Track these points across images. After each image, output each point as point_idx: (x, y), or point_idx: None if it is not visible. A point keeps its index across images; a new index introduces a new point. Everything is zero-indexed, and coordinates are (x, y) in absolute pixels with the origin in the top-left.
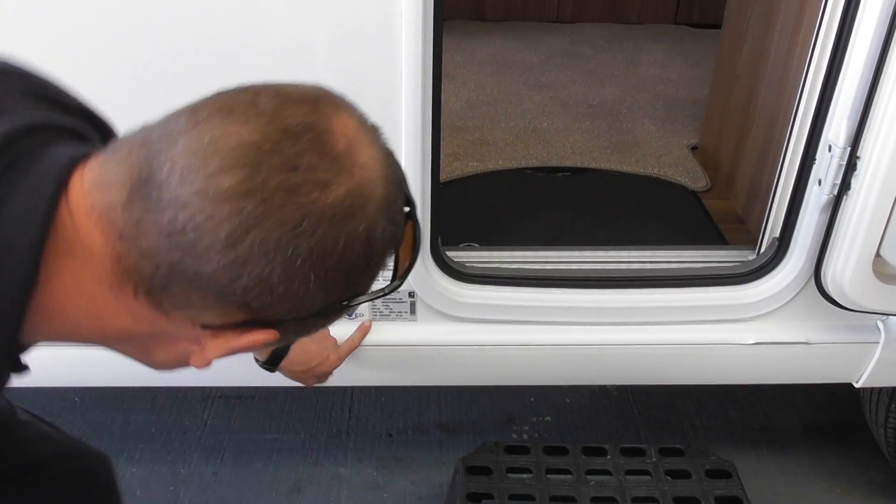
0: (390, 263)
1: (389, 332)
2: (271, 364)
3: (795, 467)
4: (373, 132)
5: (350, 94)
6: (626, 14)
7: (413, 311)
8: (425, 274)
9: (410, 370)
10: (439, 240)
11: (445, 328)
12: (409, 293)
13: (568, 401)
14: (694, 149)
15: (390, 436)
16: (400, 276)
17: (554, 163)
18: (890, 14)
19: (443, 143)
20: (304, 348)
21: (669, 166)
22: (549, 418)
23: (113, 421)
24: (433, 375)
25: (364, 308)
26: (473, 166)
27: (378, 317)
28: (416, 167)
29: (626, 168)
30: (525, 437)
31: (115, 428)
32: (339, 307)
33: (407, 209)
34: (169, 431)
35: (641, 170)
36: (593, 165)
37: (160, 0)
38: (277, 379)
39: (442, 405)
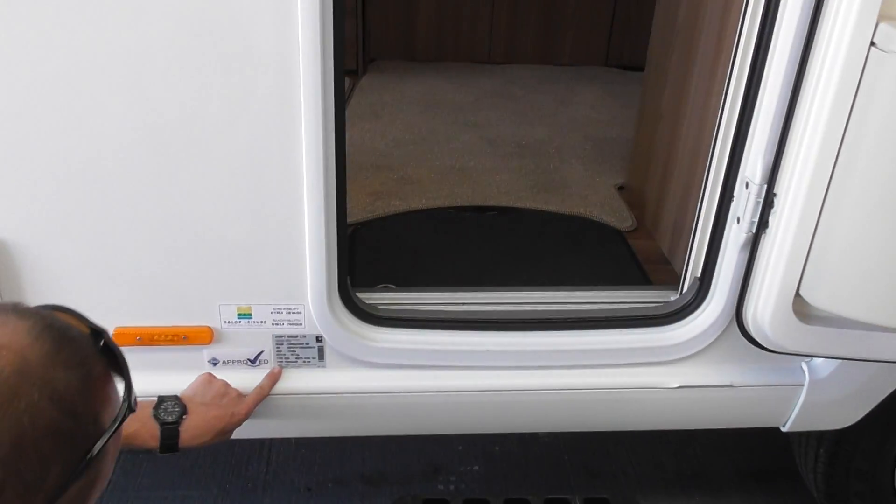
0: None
1: (296, 380)
2: (168, 449)
3: None
4: (9, 308)
5: (244, 130)
6: (557, 56)
7: (321, 357)
8: (332, 317)
9: (320, 420)
10: (348, 281)
11: (356, 374)
12: (317, 337)
13: (497, 448)
14: (621, 188)
15: (309, 490)
16: (124, 399)
17: (479, 202)
18: (800, 50)
19: (366, 181)
20: (202, 418)
21: (596, 206)
22: (476, 467)
23: None
24: (345, 425)
25: (269, 354)
26: (395, 205)
27: (284, 363)
28: (319, 206)
29: (552, 207)
30: (452, 487)
31: None
32: (89, 460)
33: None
34: None
35: (568, 209)
36: (520, 205)
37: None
38: None
39: (365, 455)
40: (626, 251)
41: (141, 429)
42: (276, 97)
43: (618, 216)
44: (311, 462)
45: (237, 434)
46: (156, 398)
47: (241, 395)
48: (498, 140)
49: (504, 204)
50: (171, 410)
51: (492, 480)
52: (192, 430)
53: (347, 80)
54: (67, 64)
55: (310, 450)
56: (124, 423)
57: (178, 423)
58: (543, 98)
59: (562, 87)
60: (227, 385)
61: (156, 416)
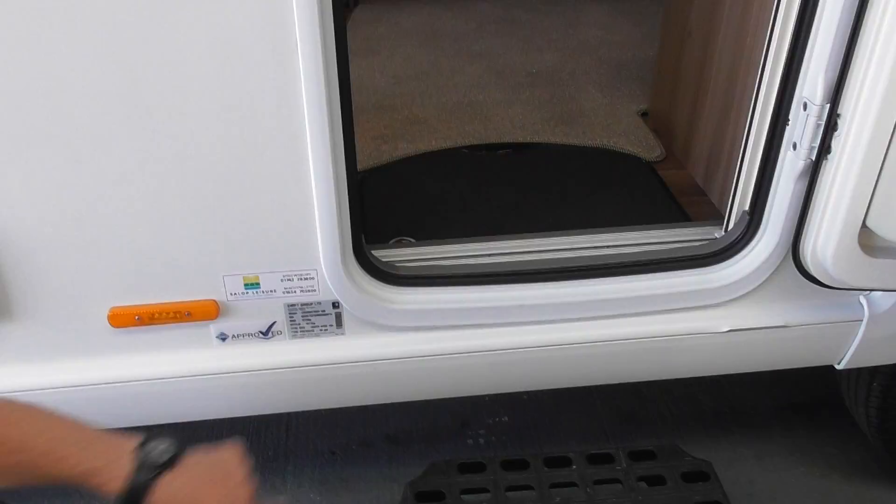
0: None
1: (313, 350)
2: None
3: (771, 452)
4: None
5: (237, 82)
6: None
7: (340, 324)
8: (348, 280)
9: (342, 390)
10: (363, 239)
11: (378, 340)
12: (333, 303)
13: (525, 397)
14: (644, 115)
15: (333, 454)
16: None
17: (493, 139)
18: None
19: (368, 125)
20: (191, 485)
21: (620, 135)
22: (506, 418)
23: None
24: (369, 394)
25: (282, 325)
26: (404, 148)
27: (299, 333)
28: (325, 159)
29: (572, 140)
30: (482, 441)
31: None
32: None
33: None
34: None
35: (589, 141)
36: (536, 139)
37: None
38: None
39: (389, 414)
40: (658, 183)
41: (106, 467)
42: (269, 40)
43: (644, 145)
44: (332, 425)
45: (259, 410)
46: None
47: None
48: (506, 70)
49: (520, 139)
50: (158, 453)
51: (522, 431)
52: (169, 494)
53: None
54: (56, 36)
55: (331, 413)
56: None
57: (158, 473)
58: (550, 21)
59: (569, 9)
60: (246, 471)
61: (137, 455)
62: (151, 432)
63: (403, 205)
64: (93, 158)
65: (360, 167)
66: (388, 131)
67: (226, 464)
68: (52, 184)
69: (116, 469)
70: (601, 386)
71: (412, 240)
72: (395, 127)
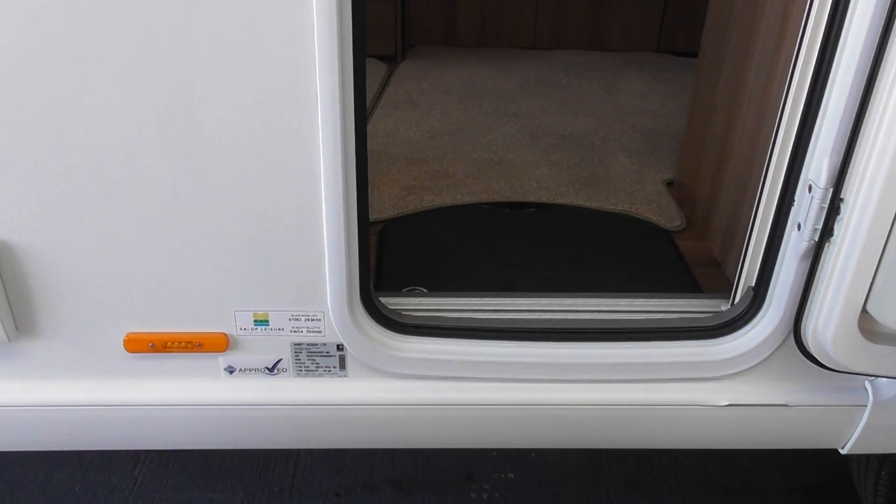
0: None
1: (316, 390)
2: None
3: None
4: None
5: (257, 126)
6: (606, 41)
7: (343, 367)
8: (353, 325)
9: (342, 432)
10: (371, 285)
11: (380, 385)
12: (338, 346)
13: (533, 455)
14: (670, 184)
15: (337, 495)
16: None
17: (517, 197)
18: (877, 36)
19: (399, 175)
20: None
21: (642, 203)
22: (511, 475)
23: (34, 479)
24: (368, 437)
25: (287, 363)
26: (429, 200)
27: (304, 372)
28: (338, 206)
29: (595, 204)
30: (485, 496)
31: (35, 487)
32: None
33: None
34: (95, 490)
35: (612, 206)
36: (560, 201)
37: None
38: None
39: (396, 459)
40: (674, 253)
41: None
42: (290, 89)
43: (666, 214)
44: (339, 465)
45: (260, 445)
46: None
47: None
48: (539, 131)
49: (543, 200)
50: None
51: (527, 490)
52: None
53: (384, 67)
54: (73, 64)
55: (339, 453)
56: None
57: None
58: (590, 86)
59: (610, 75)
60: None
61: None
62: None
63: (421, 255)
64: (122, 190)
65: (384, 216)
66: (417, 183)
67: None
68: (78, 210)
69: None
70: (610, 450)
71: (424, 290)
72: (424, 179)
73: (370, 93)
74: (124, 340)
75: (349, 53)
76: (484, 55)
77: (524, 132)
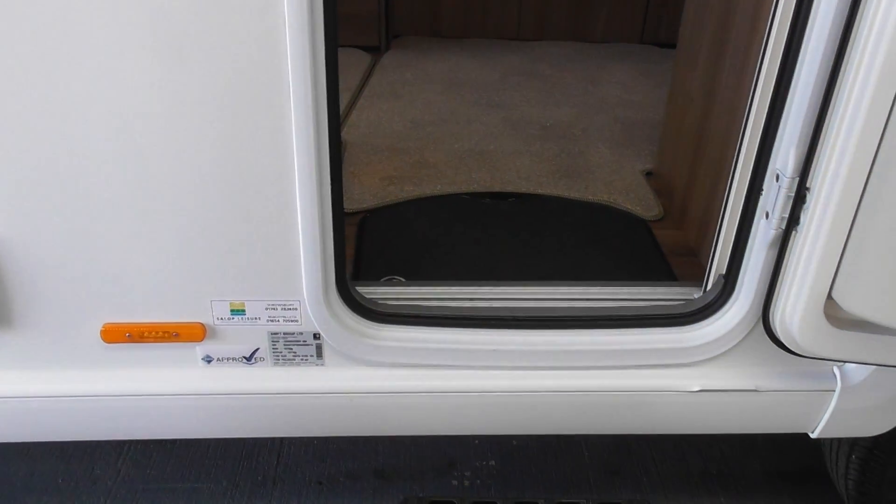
0: None
1: (294, 379)
2: None
3: None
4: None
5: (229, 116)
6: (590, 32)
7: (320, 355)
8: (329, 314)
9: (320, 420)
10: (346, 274)
11: (356, 373)
12: (314, 335)
13: (515, 443)
14: (649, 174)
15: (320, 483)
16: None
17: (497, 188)
18: (840, 29)
19: (380, 166)
20: None
21: (621, 193)
22: (493, 462)
23: (16, 472)
24: (346, 426)
25: (265, 352)
26: (409, 191)
27: (281, 361)
28: (312, 195)
29: (574, 194)
30: (466, 483)
31: (17, 480)
32: None
33: None
34: (77, 482)
35: (591, 196)
36: (540, 191)
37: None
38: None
39: (378, 448)
40: (651, 242)
41: None
42: (263, 80)
43: (643, 204)
44: (322, 455)
45: (239, 433)
46: None
47: None
48: (521, 121)
49: (523, 190)
50: None
51: (508, 477)
52: None
53: (368, 58)
54: (46, 56)
55: (322, 443)
56: None
57: None
58: (573, 77)
59: (593, 66)
60: None
61: None
62: None
63: (400, 245)
64: (93, 181)
65: (364, 206)
66: (398, 173)
67: None
68: (54, 201)
69: None
70: (590, 438)
71: (402, 279)
72: (405, 170)
73: (353, 83)
74: (101, 331)
75: (321, 43)
76: (468, 46)
77: (506, 123)
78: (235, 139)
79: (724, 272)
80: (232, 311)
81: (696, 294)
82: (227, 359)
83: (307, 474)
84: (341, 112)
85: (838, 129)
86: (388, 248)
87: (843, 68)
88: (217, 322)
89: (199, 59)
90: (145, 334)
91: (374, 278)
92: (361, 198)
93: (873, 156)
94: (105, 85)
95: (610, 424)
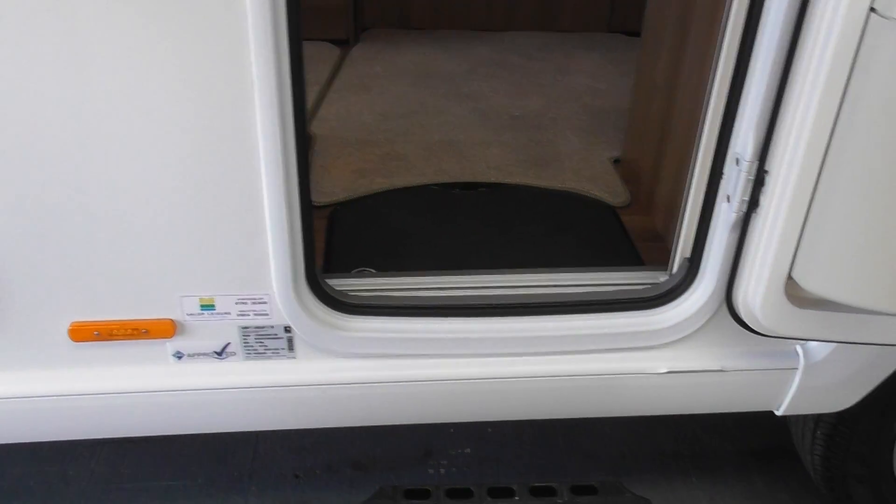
0: None
1: (266, 372)
2: None
3: (725, 495)
4: None
5: (195, 109)
6: (558, 22)
7: (291, 348)
8: (299, 307)
9: (293, 413)
10: (316, 267)
11: (328, 365)
12: (285, 328)
13: (490, 430)
14: (617, 162)
15: (297, 476)
16: None
17: (467, 178)
18: (795, 17)
19: (350, 158)
20: None
21: (589, 180)
22: (468, 450)
23: None
24: (319, 417)
25: (236, 346)
26: (379, 183)
27: (252, 355)
28: (279, 189)
29: (544, 183)
30: (443, 472)
31: None
32: None
33: None
34: (50, 484)
35: (560, 184)
36: (510, 181)
37: None
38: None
39: (354, 439)
40: (619, 228)
41: None
42: (227, 74)
43: (612, 191)
44: (299, 448)
45: (212, 428)
46: None
47: None
48: (491, 112)
49: (493, 180)
50: None
51: (483, 464)
52: None
53: (338, 51)
54: (8, 58)
55: (298, 436)
56: None
57: None
58: (541, 67)
59: (561, 55)
60: None
61: None
62: None
63: (371, 237)
64: (58, 179)
65: (334, 199)
66: (368, 166)
67: None
68: (20, 201)
69: None
70: (565, 423)
71: (373, 270)
72: (375, 162)
73: (323, 77)
74: (69, 330)
75: (284, 37)
76: (437, 37)
77: (475, 113)
78: (201, 135)
79: (688, 256)
80: (202, 306)
81: (662, 278)
82: (198, 354)
83: (284, 468)
84: (310, 106)
85: (794, 113)
86: (359, 240)
87: (797, 53)
88: (187, 318)
89: (162, 56)
90: (114, 332)
91: (346, 270)
92: (332, 191)
93: (828, 139)
94: (68, 83)
95: (582, 408)
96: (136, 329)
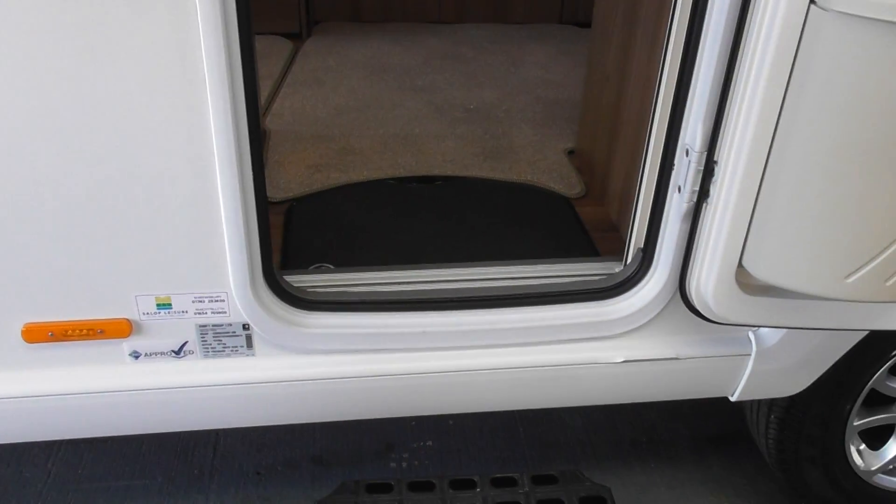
0: None
1: (224, 370)
2: None
3: (684, 480)
4: None
5: (145, 104)
6: (510, 14)
7: (250, 345)
8: (257, 304)
9: (253, 410)
10: (273, 263)
11: (287, 362)
12: (243, 325)
13: (451, 422)
14: (571, 153)
15: (258, 473)
16: None
17: (423, 171)
18: (738, 8)
19: (305, 153)
20: None
21: (544, 172)
22: (430, 443)
23: None
24: (280, 414)
25: (194, 345)
26: (335, 178)
27: (210, 353)
28: (234, 184)
29: (499, 175)
30: (405, 465)
31: None
32: None
33: None
34: (6, 486)
35: (515, 177)
36: (465, 174)
37: None
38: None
39: (316, 434)
40: (574, 219)
41: None
42: (178, 70)
43: (566, 182)
44: (259, 445)
45: (172, 428)
46: None
47: None
48: (445, 105)
49: (449, 173)
50: None
51: (445, 456)
52: None
53: (290, 45)
54: None
55: (258, 433)
56: None
57: None
58: (494, 59)
59: (514, 47)
60: None
61: None
62: None
63: (328, 232)
64: (11, 179)
65: (290, 194)
66: (323, 160)
67: None
68: None
69: None
70: (525, 413)
71: (331, 266)
72: (330, 156)
73: (275, 71)
74: (22, 331)
75: (235, 30)
76: (389, 30)
77: (430, 106)
78: (152, 130)
79: (642, 246)
80: (158, 305)
81: (617, 268)
82: (156, 353)
83: (245, 465)
84: (264, 101)
85: (740, 104)
86: (316, 235)
87: (742, 45)
88: (143, 317)
89: (111, 51)
90: (69, 332)
91: (303, 266)
92: (287, 186)
93: (773, 129)
94: (17, 80)
95: (542, 398)
96: (92, 329)
